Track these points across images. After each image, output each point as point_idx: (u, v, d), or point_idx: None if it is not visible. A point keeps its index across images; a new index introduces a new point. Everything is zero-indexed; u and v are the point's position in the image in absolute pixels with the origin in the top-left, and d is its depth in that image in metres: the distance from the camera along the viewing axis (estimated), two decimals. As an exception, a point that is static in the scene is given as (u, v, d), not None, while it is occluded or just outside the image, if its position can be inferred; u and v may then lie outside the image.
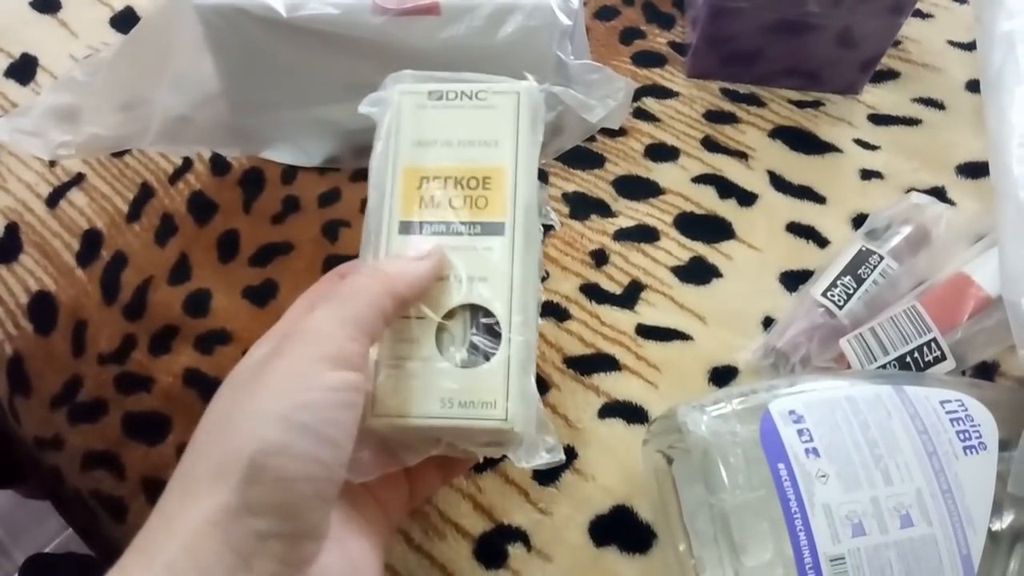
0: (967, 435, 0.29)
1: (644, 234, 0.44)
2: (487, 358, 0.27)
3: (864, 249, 0.40)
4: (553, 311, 0.40)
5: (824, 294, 0.39)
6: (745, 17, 0.47)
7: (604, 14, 0.54)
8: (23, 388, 0.39)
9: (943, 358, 0.37)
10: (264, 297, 0.41)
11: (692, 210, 0.45)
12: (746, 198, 0.45)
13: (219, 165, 0.45)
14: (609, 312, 0.41)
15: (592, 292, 0.41)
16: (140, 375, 0.38)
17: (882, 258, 0.39)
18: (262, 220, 0.43)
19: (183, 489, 0.22)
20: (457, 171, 0.30)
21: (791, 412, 0.29)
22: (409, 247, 0.29)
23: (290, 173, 0.45)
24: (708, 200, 0.45)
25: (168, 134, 0.42)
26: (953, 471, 0.28)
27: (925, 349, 0.37)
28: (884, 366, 0.37)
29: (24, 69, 0.50)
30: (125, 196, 0.44)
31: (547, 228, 0.33)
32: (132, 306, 0.40)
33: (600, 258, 0.43)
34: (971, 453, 0.29)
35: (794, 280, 0.42)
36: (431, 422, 0.27)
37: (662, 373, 0.39)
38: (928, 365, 0.37)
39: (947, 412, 0.30)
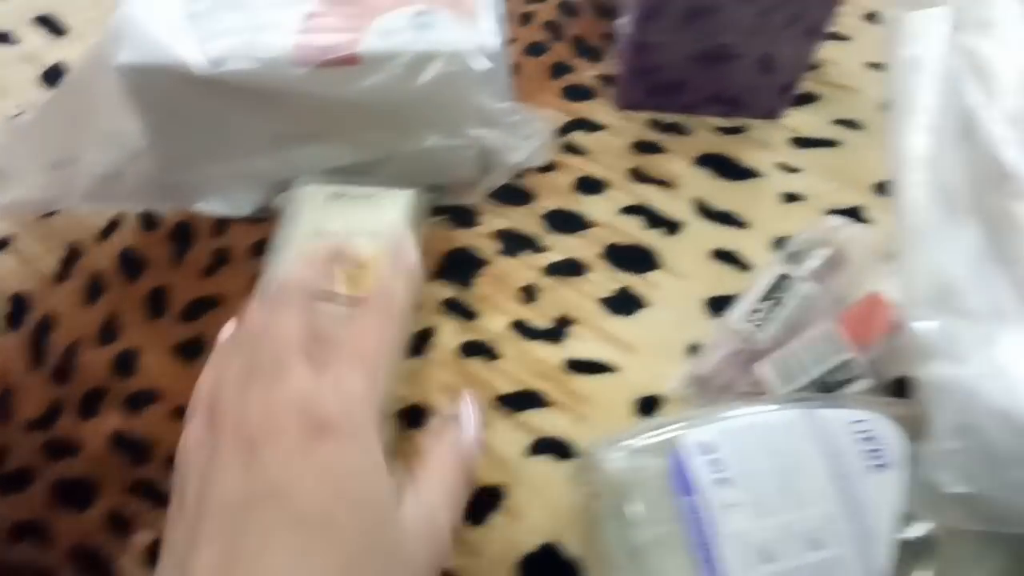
0: (876, 454, 0.30)
1: (573, 267, 0.44)
2: None
3: (783, 273, 0.41)
4: (483, 350, 0.41)
5: (744, 319, 0.40)
6: (667, 49, 0.48)
7: (534, 50, 0.55)
8: (-50, 458, 0.39)
9: (859, 376, 0.38)
10: (194, 353, 0.41)
11: (620, 241, 0.46)
12: (672, 227, 0.46)
13: (149, 220, 0.45)
14: (538, 348, 0.41)
15: (521, 329, 0.42)
16: (67, 440, 0.38)
17: (798, 281, 0.41)
18: (192, 274, 0.43)
19: None
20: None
21: (702, 443, 0.30)
22: None
23: (221, 224, 0.45)
24: (635, 230, 0.46)
25: (96, 192, 0.42)
26: (862, 490, 0.29)
27: (842, 368, 0.38)
28: (803, 387, 0.38)
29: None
30: (54, 257, 0.44)
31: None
32: (60, 369, 0.40)
33: (530, 294, 0.43)
34: (879, 471, 0.30)
35: (720, 306, 0.43)
36: None
37: (590, 406, 0.39)
38: (845, 384, 0.38)
39: (857, 432, 0.31)
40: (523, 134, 0.40)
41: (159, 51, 0.37)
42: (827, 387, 0.38)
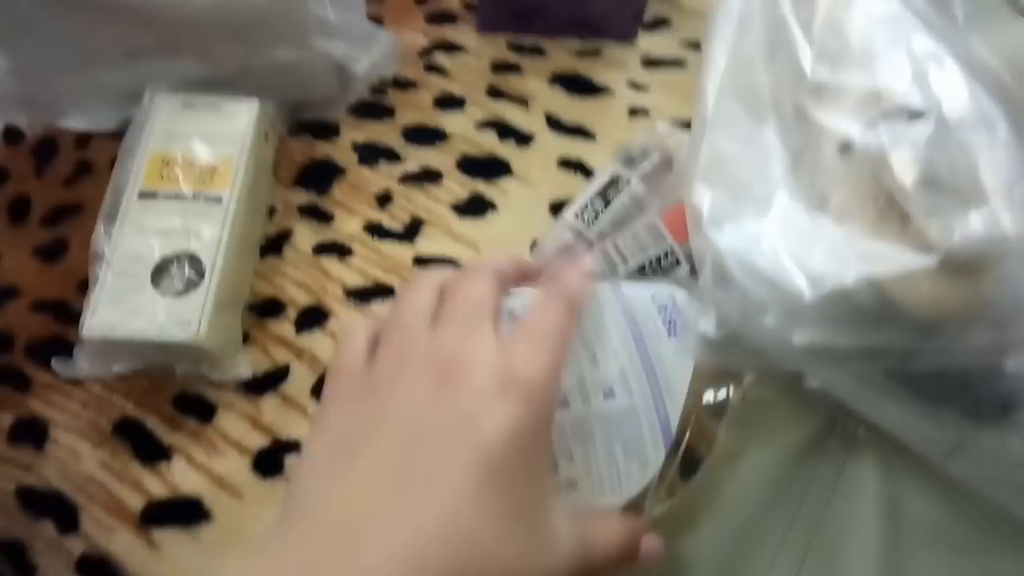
0: (671, 321, 0.34)
1: (428, 176, 0.47)
2: (191, 292, 0.36)
3: (615, 175, 0.45)
4: (336, 249, 0.44)
5: (575, 215, 0.44)
6: (522, -27, 0.51)
7: (401, -23, 0.57)
8: None
9: (678, 263, 0.43)
10: (54, 254, 0.43)
11: (474, 153, 0.49)
12: (523, 139, 0.49)
13: (12, 134, 0.47)
14: (390, 247, 0.44)
15: (375, 230, 0.45)
16: (-70, 336, 0.40)
17: (629, 182, 0.44)
18: (55, 184, 0.45)
19: None
20: (194, 157, 0.41)
21: (511, 309, 0.34)
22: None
23: (84, 139, 0.47)
24: (489, 143, 0.49)
25: (-48, 107, 0.43)
26: (656, 351, 0.33)
27: (663, 257, 0.42)
28: (626, 275, 0.42)
29: None
30: (-84, 170, 0.45)
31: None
32: (-79, 272, 0.42)
33: (384, 200, 0.46)
34: (673, 336, 0.34)
35: (562, 209, 0.46)
36: (135, 336, 0.35)
37: (433, 296, 0.42)
38: (666, 271, 0.42)
39: (656, 303, 0.35)
40: (368, 46, 0.43)
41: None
42: (648, 274, 0.42)
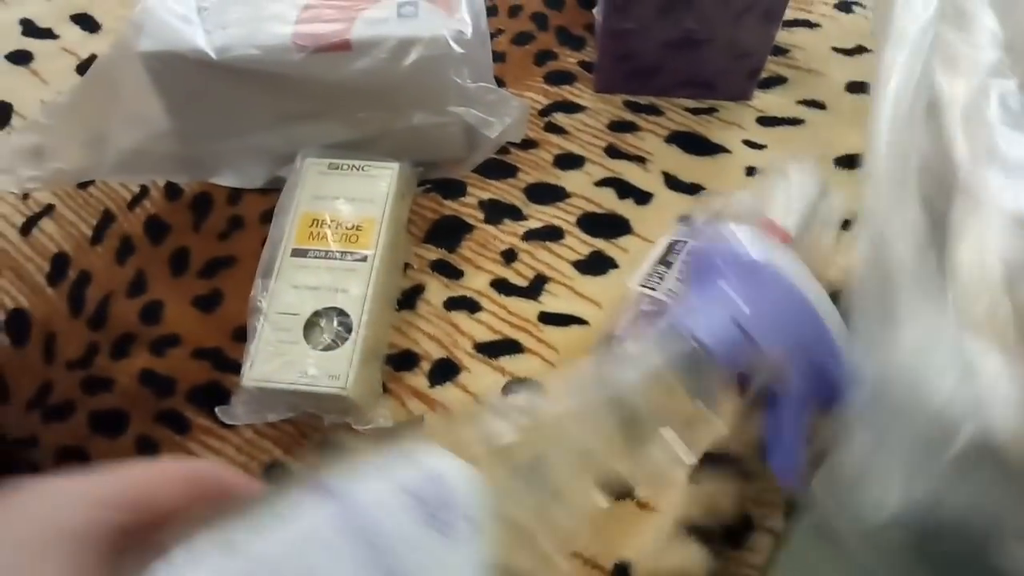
0: (435, 516, 0.20)
1: (550, 234, 0.49)
2: (339, 346, 0.39)
3: (672, 240, 0.45)
4: (466, 304, 0.46)
5: (640, 284, 0.43)
6: (638, 36, 0.53)
7: (520, 39, 0.60)
8: (2, 395, 0.45)
9: None
10: (210, 305, 0.46)
11: (594, 210, 0.50)
12: (643, 197, 0.51)
13: (172, 191, 0.51)
14: (516, 303, 0.46)
15: (501, 286, 0.47)
16: (102, 377, 0.44)
17: (687, 243, 0.44)
18: (210, 237, 0.49)
19: None
20: (340, 217, 0.44)
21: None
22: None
23: (236, 195, 0.51)
24: (608, 201, 0.51)
25: (124, 166, 0.48)
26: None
27: None
28: None
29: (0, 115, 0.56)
30: (89, 222, 0.50)
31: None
32: (95, 318, 0.46)
33: (510, 256, 0.48)
34: (445, 534, 0.20)
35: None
36: (289, 387, 0.38)
37: (560, 353, 0.44)
38: None
39: (407, 495, 0.21)
40: (500, 112, 0.45)
41: (175, 39, 0.42)
42: None
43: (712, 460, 0.39)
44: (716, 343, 0.29)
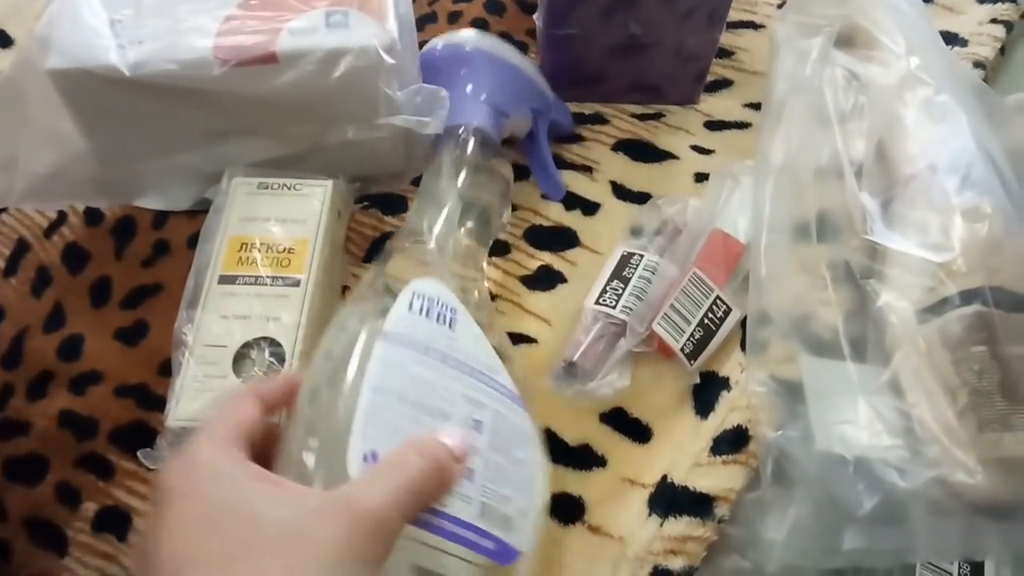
0: (440, 315, 0.32)
1: (497, 248, 0.47)
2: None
3: (625, 253, 0.44)
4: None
5: (595, 302, 0.42)
6: (581, 41, 0.51)
7: (462, 45, 0.58)
8: (-94, 443, 0.41)
9: (729, 310, 0.42)
10: (134, 337, 0.43)
11: (541, 223, 0.48)
12: (590, 207, 0.49)
13: (92, 216, 0.48)
14: (461, 323, 0.44)
15: (446, 306, 0.45)
16: (18, 420, 0.41)
17: (642, 256, 0.43)
18: (133, 265, 0.46)
19: None
20: (271, 240, 0.41)
21: None
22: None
23: (161, 218, 0.48)
24: (555, 213, 0.49)
25: (37, 191, 0.45)
26: (463, 355, 0.31)
27: (715, 307, 0.42)
28: (691, 336, 0.41)
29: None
30: (2, 253, 0.47)
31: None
32: (8, 356, 0.43)
33: (454, 274, 0.46)
34: (451, 326, 0.32)
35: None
36: None
37: (508, 375, 0.42)
38: (721, 322, 0.42)
39: (417, 311, 0.31)
40: (431, 108, 0.43)
41: (84, 56, 0.39)
42: (708, 327, 0.41)
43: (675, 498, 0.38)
44: (487, 124, 0.44)
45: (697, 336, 0.41)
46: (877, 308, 0.39)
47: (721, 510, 0.37)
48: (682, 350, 0.40)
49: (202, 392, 0.36)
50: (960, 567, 0.35)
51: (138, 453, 0.37)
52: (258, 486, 0.23)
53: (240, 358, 0.38)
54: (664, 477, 0.39)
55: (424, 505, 0.25)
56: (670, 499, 0.38)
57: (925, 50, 0.47)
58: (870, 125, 0.46)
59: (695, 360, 0.41)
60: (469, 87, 0.45)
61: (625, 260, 0.44)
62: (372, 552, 0.22)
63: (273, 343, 0.38)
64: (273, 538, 0.21)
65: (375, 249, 0.47)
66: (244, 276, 0.40)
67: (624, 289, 0.42)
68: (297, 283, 0.40)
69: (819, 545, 0.34)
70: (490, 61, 0.46)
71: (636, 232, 0.46)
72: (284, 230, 0.42)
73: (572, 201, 0.49)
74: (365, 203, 0.49)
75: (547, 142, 0.50)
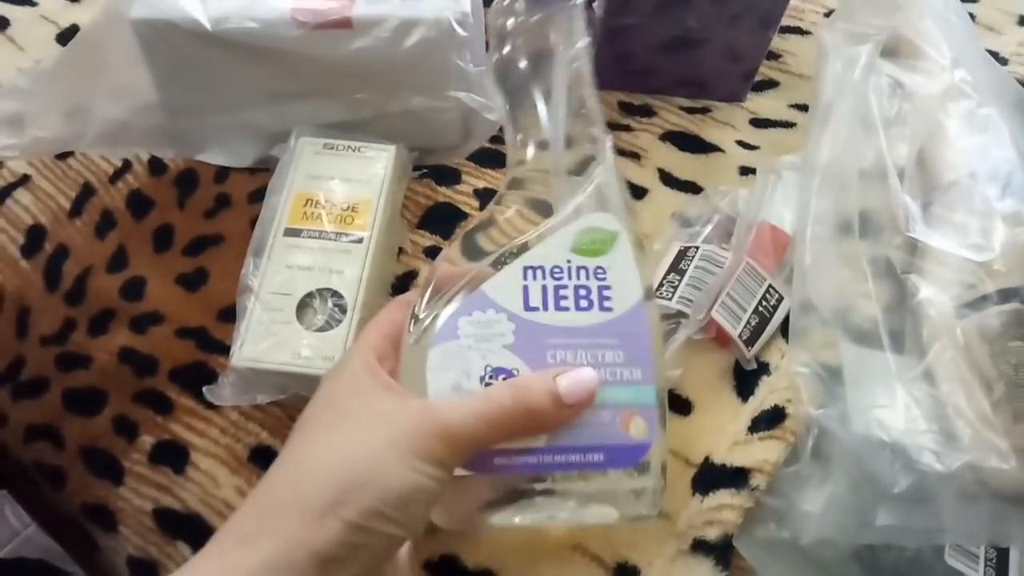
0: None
1: (545, 225, 0.48)
2: (334, 327, 0.38)
3: (681, 248, 0.45)
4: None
5: (655, 295, 0.43)
6: (637, 33, 0.53)
7: (517, 31, 0.59)
8: (-31, 370, 0.42)
9: (781, 299, 0.43)
10: (195, 283, 0.45)
11: (588, 203, 0.50)
12: (638, 192, 0.51)
13: (156, 166, 0.49)
14: (510, 292, 0.45)
15: (495, 275, 0.46)
16: (79, 354, 0.42)
17: (697, 248, 0.45)
18: (195, 215, 0.47)
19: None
20: (335, 198, 0.43)
21: None
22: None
23: (223, 173, 0.49)
24: (603, 195, 0.50)
25: (106, 137, 0.46)
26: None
27: (767, 296, 0.43)
28: (747, 323, 0.42)
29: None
30: (68, 195, 0.48)
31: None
32: (72, 293, 0.44)
33: (504, 246, 0.47)
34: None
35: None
36: (281, 368, 0.37)
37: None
38: (774, 309, 0.43)
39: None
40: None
41: (169, 7, 0.41)
42: (763, 315, 0.42)
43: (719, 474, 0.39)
44: None
45: (753, 323, 0.42)
46: (916, 302, 0.41)
47: (756, 480, 0.38)
48: (740, 336, 0.42)
49: (266, 336, 0.38)
50: (987, 552, 0.36)
51: (204, 389, 0.38)
52: (379, 392, 0.28)
53: (303, 306, 0.39)
54: (707, 458, 0.40)
55: (506, 436, 0.27)
56: (711, 479, 0.39)
57: (970, 63, 0.49)
58: (912, 132, 0.47)
59: (752, 346, 0.42)
60: None
61: (681, 254, 0.45)
62: (437, 454, 0.26)
63: (336, 295, 0.39)
64: (369, 418, 0.27)
65: (429, 216, 0.48)
66: (309, 230, 0.41)
67: (680, 281, 0.43)
68: (360, 240, 0.41)
69: (854, 520, 0.35)
70: None
71: (685, 222, 0.47)
72: (348, 189, 0.43)
73: (620, 184, 0.51)
74: (421, 172, 0.50)
75: None
